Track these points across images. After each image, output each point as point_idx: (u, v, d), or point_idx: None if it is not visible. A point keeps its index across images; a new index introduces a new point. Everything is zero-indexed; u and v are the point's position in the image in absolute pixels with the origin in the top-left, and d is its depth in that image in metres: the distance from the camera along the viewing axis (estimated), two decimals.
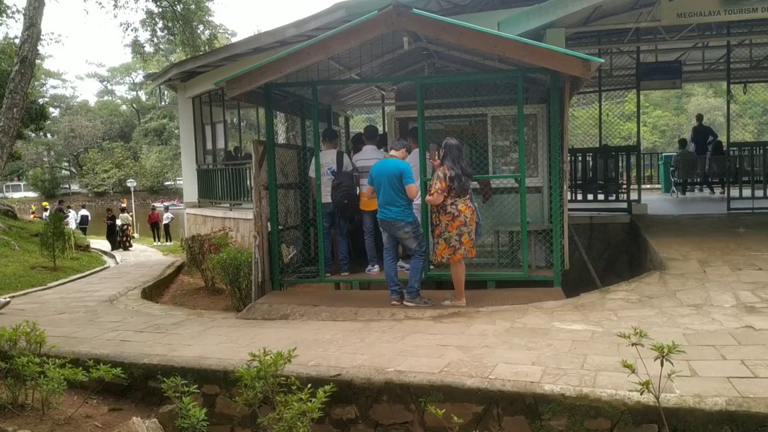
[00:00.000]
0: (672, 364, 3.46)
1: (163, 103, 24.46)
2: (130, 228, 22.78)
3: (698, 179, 14.50)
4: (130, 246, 21.70)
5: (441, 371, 4.68)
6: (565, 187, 7.39)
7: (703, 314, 5.91)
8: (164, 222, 25.77)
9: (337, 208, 7.98)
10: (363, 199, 7.99)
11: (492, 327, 5.92)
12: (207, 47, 21.88)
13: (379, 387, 4.69)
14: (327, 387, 4.12)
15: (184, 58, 21.30)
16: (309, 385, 4.13)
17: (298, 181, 8.84)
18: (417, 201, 7.15)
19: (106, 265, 14.85)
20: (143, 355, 5.60)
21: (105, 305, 8.83)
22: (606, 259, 9.75)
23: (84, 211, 26.54)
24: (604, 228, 10.04)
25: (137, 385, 5.46)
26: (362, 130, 9.54)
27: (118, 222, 21.82)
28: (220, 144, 15.39)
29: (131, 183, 40.28)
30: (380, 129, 11.28)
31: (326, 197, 7.91)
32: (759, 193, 10.49)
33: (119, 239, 21.47)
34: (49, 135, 64.47)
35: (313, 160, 8.05)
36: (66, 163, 70.81)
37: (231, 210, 14.16)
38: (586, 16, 8.76)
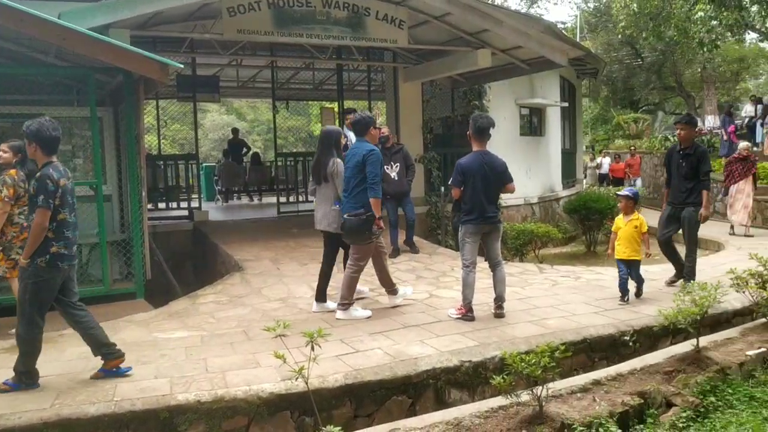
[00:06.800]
0: (320, 347, 3.74)
1: None
2: None
3: (240, 188, 15.63)
4: None
5: (53, 405, 4.02)
6: (144, 194, 7.12)
7: (291, 306, 6.48)
8: None
9: None
10: None
11: (87, 348, 5.29)
12: None
13: None
14: None
15: None
16: None
17: None
18: None
19: None
20: None
21: None
22: (171, 268, 9.67)
23: None
24: (168, 236, 9.96)
25: None
26: None
27: None
28: None
29: None
30: None
31: None
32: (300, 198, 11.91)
33: None
34: None
35: None
36: None
37: None
38: (146, 19, 8.56)
